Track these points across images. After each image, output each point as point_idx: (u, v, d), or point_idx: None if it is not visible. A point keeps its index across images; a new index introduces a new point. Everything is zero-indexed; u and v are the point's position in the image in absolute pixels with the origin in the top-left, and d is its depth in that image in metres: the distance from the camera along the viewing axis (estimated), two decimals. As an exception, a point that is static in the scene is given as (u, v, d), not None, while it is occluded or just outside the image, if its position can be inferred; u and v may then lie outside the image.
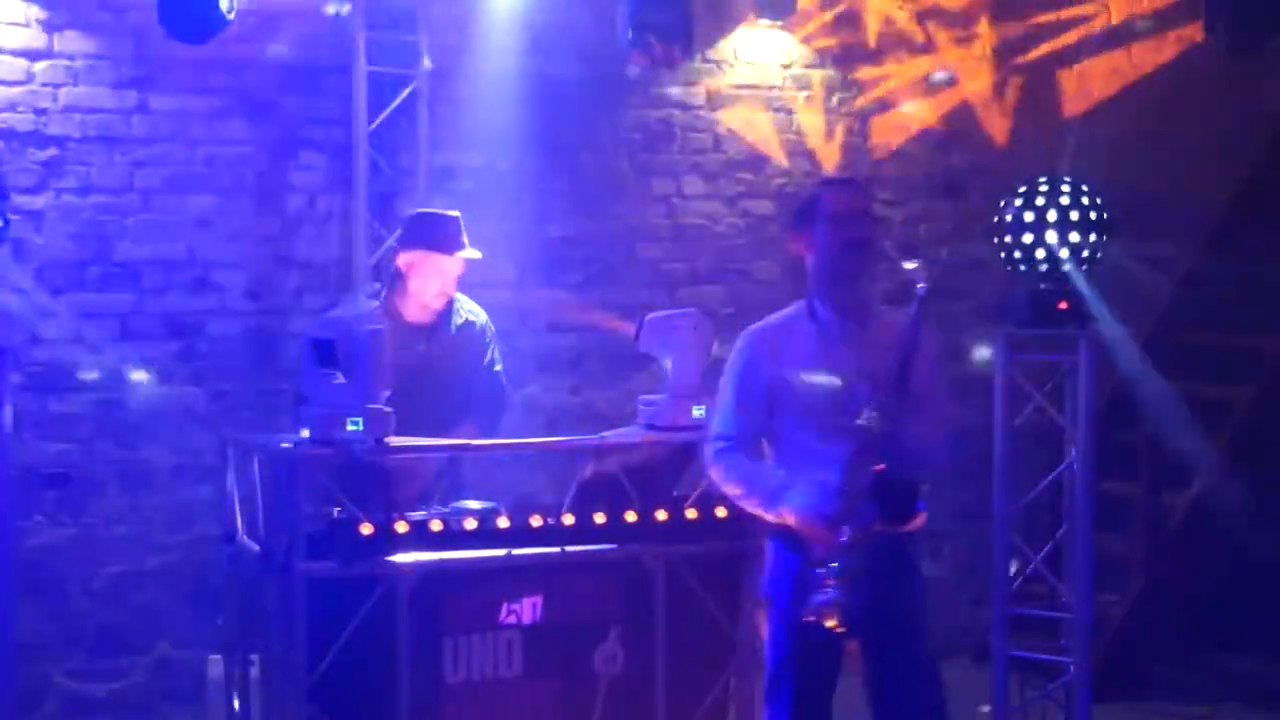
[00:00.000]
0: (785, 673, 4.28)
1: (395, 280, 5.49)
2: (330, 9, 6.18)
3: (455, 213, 5.49)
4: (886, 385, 4.10)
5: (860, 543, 4.05)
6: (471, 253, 5.44)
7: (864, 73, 7.38)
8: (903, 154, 7.46)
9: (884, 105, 7.42)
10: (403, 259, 5.45)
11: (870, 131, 7.41)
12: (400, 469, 5.12)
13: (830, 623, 4.03)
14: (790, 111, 7.27)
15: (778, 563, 4.35)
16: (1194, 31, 7.45)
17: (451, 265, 5.41)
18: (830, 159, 7.31)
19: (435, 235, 5.40)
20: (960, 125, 7.51)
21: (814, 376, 4.25)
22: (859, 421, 4.06)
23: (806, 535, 4.16)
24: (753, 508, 4.34)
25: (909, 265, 4.18)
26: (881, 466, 4.06)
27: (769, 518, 4.30)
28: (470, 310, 5.59)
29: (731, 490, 4.37)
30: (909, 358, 4.12)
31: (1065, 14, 7.66)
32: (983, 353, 5.97)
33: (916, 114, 7.47)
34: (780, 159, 7.24)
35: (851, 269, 4.32)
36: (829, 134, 7.34)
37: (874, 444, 4.06)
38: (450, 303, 5.50)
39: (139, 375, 6.16)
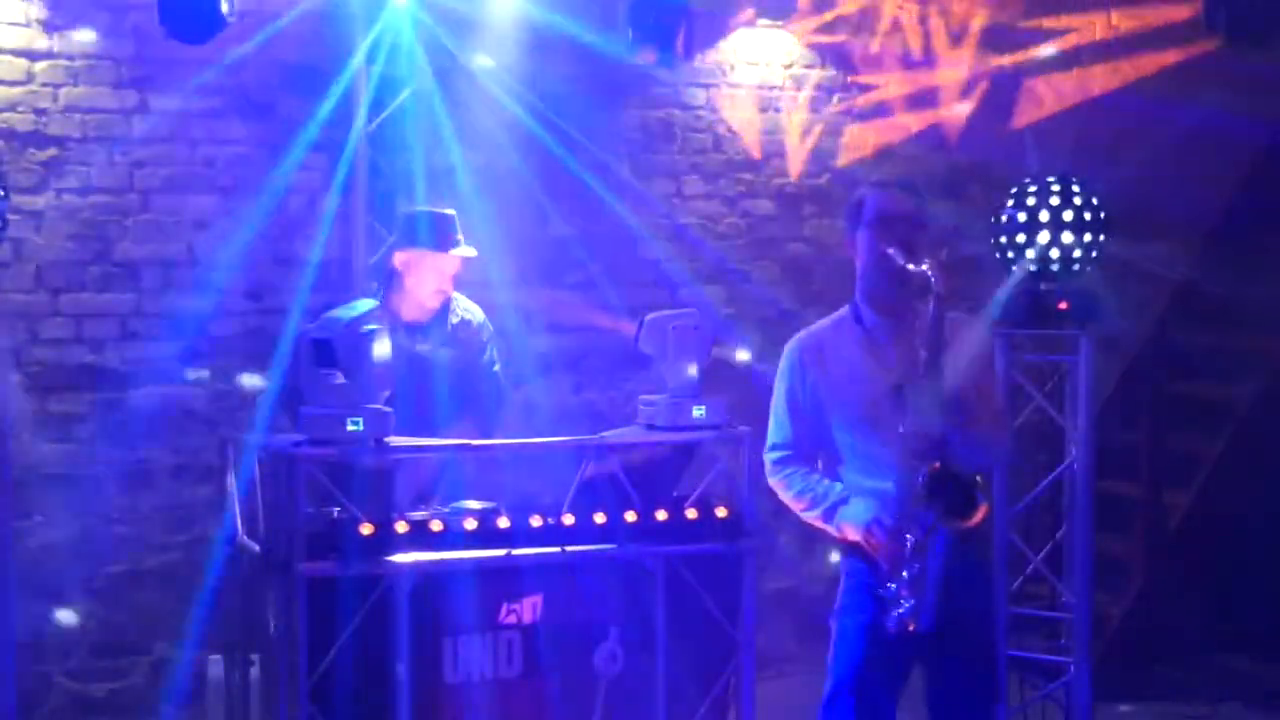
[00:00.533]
0: (858, 683, 4.25)
1: (392, 279, 5.50)
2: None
3: (450, 210, 5.50)
4: (921, 384, 4.09)
5: (925, 546, 4.05)
6: (467, 250, 5.45)
7: (864, 73, 7.38)
8: (902, 154, 7.45)
9: (884, 105, 7.42)
10: (399, 258, 5.46)
11: (870, 131, 7.40)
12: (397, 469, 5.12)
13: (911, 627, 4.06)
14: (790, 111, 7.27)
15: (850, 576, 4.33)
16: (1194, 31, 7.45)
17: (447, 263, 5.42)
18: (830, 159, 7.32)
19: (430, 233, 5.41)
20: (960, 125, 7.51)
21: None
22: (900, 430, 4.07)
23: (869, 549, 4.16)
24: (812, 521, 4.33)
25: (914, 267, 4.16)
26: (936, 465, 4.04)
27: (830, 531, 4.30)
28: (466, 309, 5.60)
29: (791, 503, 4.37)
30: (935, 356, 4.10)
31: (1066, 14, 7.66)
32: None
33: (916, 113, 7.47)
34: (780, 159, 7.24)
35: (896, 274, 4.24)
36: (829, 134, 7.34)
37: (922, 445, 4.05)
38: (447, 301, 5.51)
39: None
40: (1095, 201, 5.58)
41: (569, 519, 4.84)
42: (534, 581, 4.78)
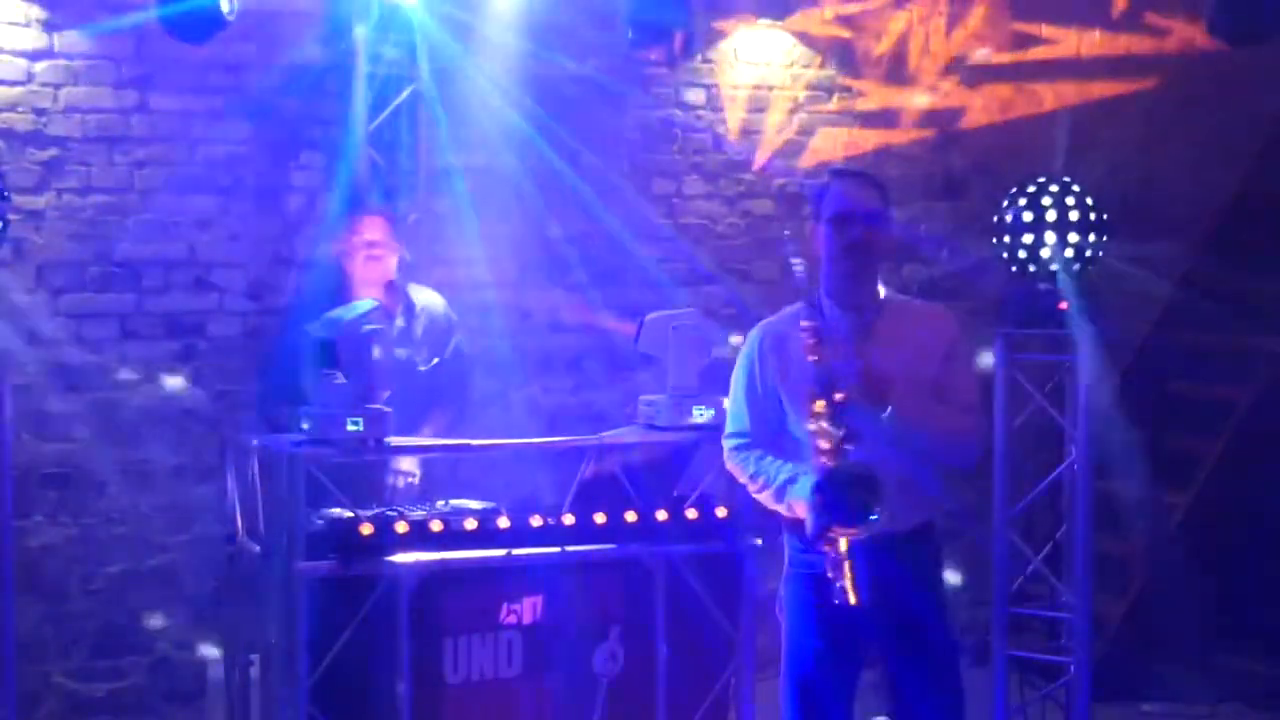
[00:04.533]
0: (807, 657, 4.28)
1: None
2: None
3: None
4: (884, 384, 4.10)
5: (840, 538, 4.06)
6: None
7: (865, 72, 7.38)
8: (903, 154, 7.45)
9: (885, 104, 7.42)
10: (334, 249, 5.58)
11: (870, 131, 7.40)
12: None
13: (853, 600, 4.05)
14: (790, 111, 7.27)
15: (793, 554, 4.34)
16: (1194, 31, 7.45)
17: (366, 229, 5.53)
18: (831, 159, 7.31)
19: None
20: (960, 125, 7.51)
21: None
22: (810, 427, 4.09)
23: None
24: (767, 502, 4.34)
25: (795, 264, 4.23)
26: (832, 464, 4.06)
27: (781, 510, 4.29)
28: (429, 302, 5.59)
29: (747, 485, 4.39)
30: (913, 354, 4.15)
31: (1066, 12, 7.66)
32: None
33: (916, 113, 7.47)
34: (780, 158, 7.24)
35: (850, 268, 4.27)
36: (829, 134, 7.34)
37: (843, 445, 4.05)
38: (410, 304, 5.48)
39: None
40: (1095, 201, 5.58)
41: (569, 519, 4.85)
42: (534, 581, 4.78)
